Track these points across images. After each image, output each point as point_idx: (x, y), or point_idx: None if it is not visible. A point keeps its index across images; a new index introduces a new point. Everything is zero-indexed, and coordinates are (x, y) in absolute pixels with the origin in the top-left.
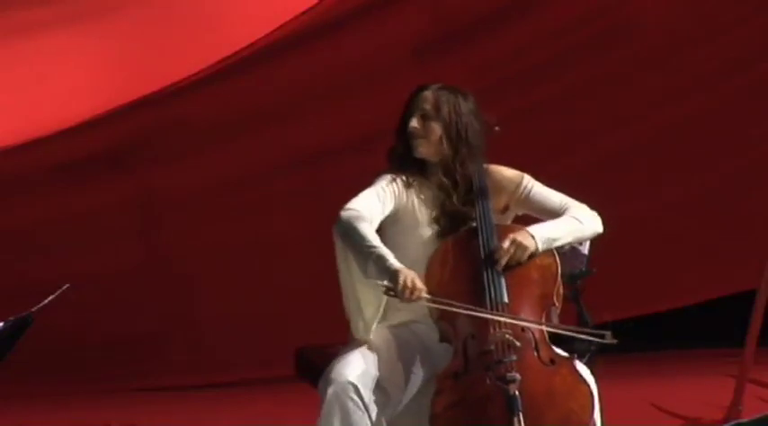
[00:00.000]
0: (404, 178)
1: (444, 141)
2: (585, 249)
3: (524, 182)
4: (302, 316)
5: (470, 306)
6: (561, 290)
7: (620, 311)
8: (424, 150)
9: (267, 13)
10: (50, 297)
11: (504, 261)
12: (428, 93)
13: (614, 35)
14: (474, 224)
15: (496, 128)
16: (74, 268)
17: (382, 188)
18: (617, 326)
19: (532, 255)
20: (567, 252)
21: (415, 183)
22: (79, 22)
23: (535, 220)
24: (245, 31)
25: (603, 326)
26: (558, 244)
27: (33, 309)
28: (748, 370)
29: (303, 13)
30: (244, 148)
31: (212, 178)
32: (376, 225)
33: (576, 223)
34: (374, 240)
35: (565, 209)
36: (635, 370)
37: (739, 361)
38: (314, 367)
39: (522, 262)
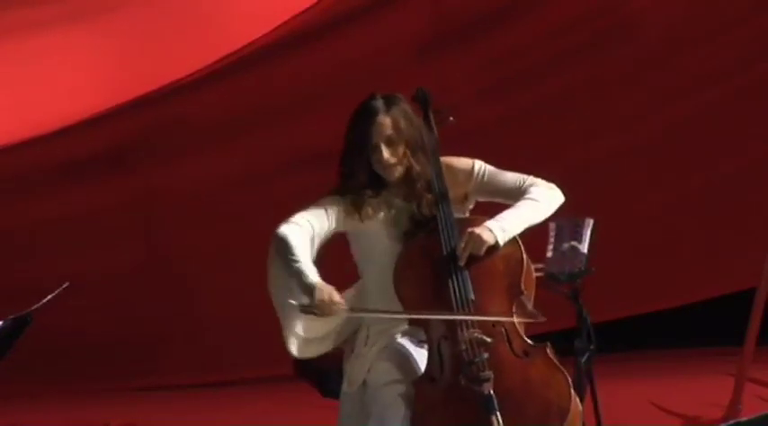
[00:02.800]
0: (359, 195)
1: (408, 156)
2: (585, 248)
3: (476, 168)
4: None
5: (392, 310)
6: (532, 276)
7: (620, 310)
8: (398, 173)
9: (267, 12)
10: (50, 296)
11: (464, 257)
12: (384, 118)
13: (614, 35)
14: (436, 222)
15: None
16: (74, 268)
17: (329, 205)
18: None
19: (494, 248)
20: (567, 252)
21: (373, 197)
22: (79, 21)
23: (495, 205)
24: (245, 30)
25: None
26: (521, 229)
27: (33, 308)
28: (747, 369)
29: (303, 12)
30: (244, 148)
31: (212, 177)
32: (318, 240)
33: (534, 204)
34: (300, 255)
35: (521, 188)
36: (635, 370)
37: (738, 360)
38: (313, 366)
39: (482, 255)
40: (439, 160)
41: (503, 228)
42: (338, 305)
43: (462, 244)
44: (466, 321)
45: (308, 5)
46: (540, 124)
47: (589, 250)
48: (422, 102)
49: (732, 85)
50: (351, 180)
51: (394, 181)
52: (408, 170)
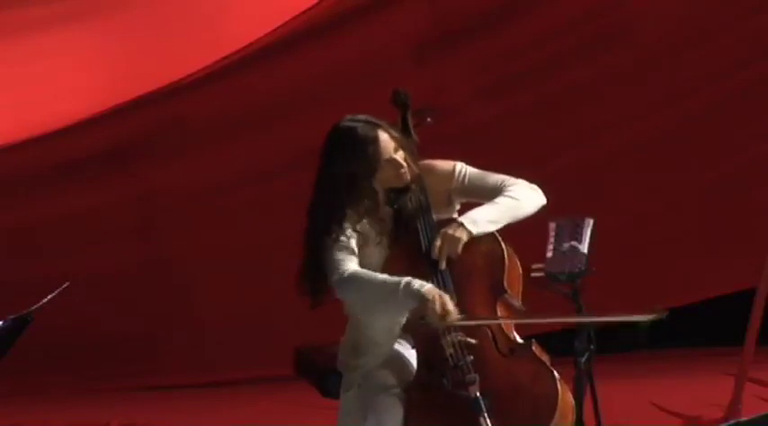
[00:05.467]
0: (354, 217)
1: (410, 163)
2: (585, 248)
3: (457, 170)
4: (301, 316)
5: (494, 317)
6: (517, 274)
7: (620, 311)
8: (409, 177)
9: (267, 12)
10: (50, 296)
11: (442, 260)
12: (383, 134)
13: (614, 35)
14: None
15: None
16: (74, 267)
17: (344, 242)
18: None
19: (474, 245)
20: (567, 252)
21: (363, 214)
22: (78, 20)
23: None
24: (245, 31)
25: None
26: (496, 223)
27: (33, 307)
28: (747, 369)
29: (303, 12)
30: (243, 148)
31: (212, 177)
32: None
33: (511, 201)
34: (388, 278)
35: (501, 188)
36: (635, 370)
37: (738, 360)
38: (313, 366)
39: (462, 255)
40: (417, 163)
41: (473, 221)
42: (453, 312)
43: (437, 246)
44: (450, 325)
45: (307, 5)
46: (539, 124)
47: (589, 250)
48: (400, 105)
49: (732, 85)
50: (351, 198)
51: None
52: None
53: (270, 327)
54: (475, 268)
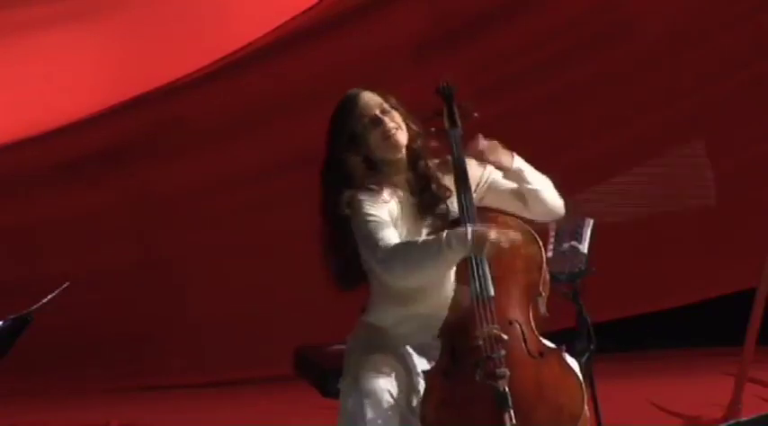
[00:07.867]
0: (373, 188)
1: (408, 123)
2: (585, 248)
3: (487, 170)
4: (301, 316)
5: None
6: (548, 277)
7: (620, 310)
8: (402, 138)
9: (267, 11)
10: (50, 296)
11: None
12: (370, 94)
13: (614, 34)
14: (455, 211)
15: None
16: (73, 267)
17: (374, 210)
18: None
19: (519, 250)
20: (567, 252)
21: (384, 188)
22: (78, 20)
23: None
24: (245, 30)
25: None
26: (533, 178)
27: (33, 307)
28: (748, 369)
29: (302, 12)
30: (243, 148)
31: (211, 177)
32: None
33: (547, 181)
34: (427, 238)
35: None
36: (635, 370)
37: (738, 360)
38: (313, 366)
39: (506, 249)
40: (462, 154)
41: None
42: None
43: (492, 238)
44: (485, 316)
45: (307, 6)
46: (539, 124)
47: (589, 250)
48: (446, 97)
49: (732, 85)
50: (352, 175)
51: (398, 157)
52: (409, 144)
53: (270, 327)
54: (514, 267)
